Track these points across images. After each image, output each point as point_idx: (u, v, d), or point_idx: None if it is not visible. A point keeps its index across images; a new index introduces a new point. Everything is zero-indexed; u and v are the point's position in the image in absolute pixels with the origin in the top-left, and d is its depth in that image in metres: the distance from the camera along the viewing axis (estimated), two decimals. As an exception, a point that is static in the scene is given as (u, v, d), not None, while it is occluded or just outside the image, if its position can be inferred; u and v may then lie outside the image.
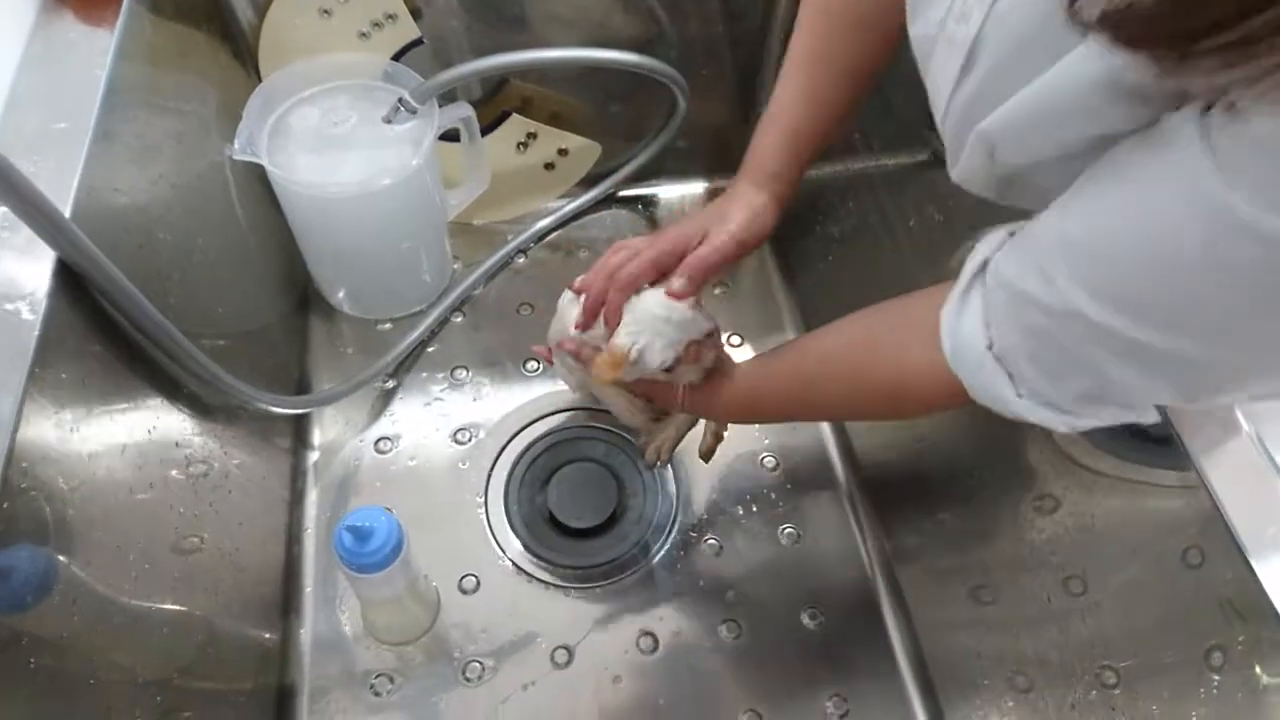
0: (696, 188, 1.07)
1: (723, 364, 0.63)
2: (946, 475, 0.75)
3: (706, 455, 0.80)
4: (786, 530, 0.83)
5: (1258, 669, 0.45)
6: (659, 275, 0.60)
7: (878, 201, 0.77)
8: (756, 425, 0.89)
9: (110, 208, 0.56)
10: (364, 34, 0.84)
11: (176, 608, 0.58)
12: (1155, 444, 0.52)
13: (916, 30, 0.45)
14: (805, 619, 0.78)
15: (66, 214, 0.49)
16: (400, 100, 0.80)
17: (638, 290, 0.59)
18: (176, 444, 0.61)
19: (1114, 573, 0.55)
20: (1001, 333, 0.42)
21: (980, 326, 0.42)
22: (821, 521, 0.84)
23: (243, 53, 0.85)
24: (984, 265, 0.43)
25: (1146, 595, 0.53)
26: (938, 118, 0.46)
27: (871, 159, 0.79)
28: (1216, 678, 0.47)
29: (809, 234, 0.94)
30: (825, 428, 0.90)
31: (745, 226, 0.61)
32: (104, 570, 0.51)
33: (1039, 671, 0.62)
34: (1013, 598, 0.66)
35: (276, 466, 0.81)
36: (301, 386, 0.90)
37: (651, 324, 0.57)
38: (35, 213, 0.45)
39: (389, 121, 0.81)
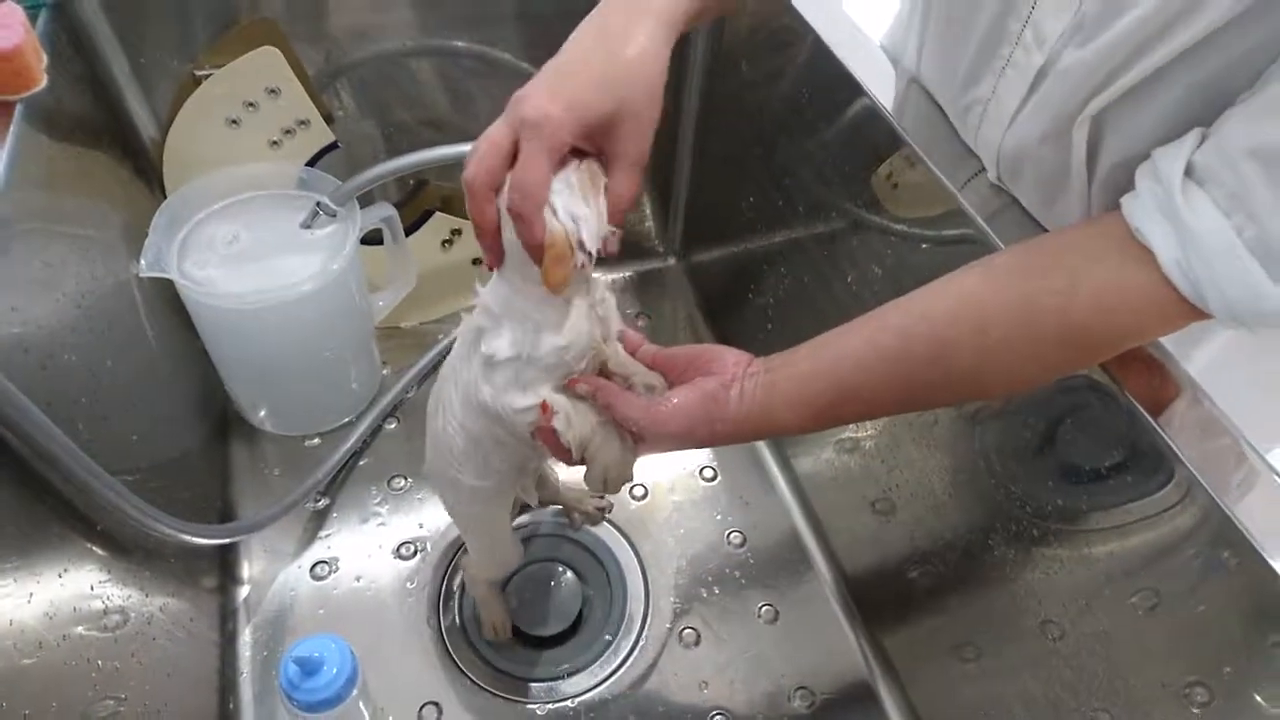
0: (626, 272, 1.07)
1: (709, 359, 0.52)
2: (915, 531, 0.73)
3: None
4: (763, 608, 0.79)
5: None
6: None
7: (811, 262, 0.78)
8: (718, 518, 0.86)
9: (6, 327, 0.51)
10: (275, 142, 0.81)
11: (96, 782, 0.50)
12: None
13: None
14: (796, 701, 0.73)
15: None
16: (318, 204, 0.77)
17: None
18: (91, 589, 0.55)
19: (1086, 615, 0.55)
20: (1256, 213, 0.39)
21: (1218, 217, 0.40)
22: (797, 595, 0.80)
23: (146, 170, 0.81)
24: (1188, 167, 0.41)
25: (1120, 635, 0.52)
26: (994, 138, 0.57)
27: (800, 228, 0.80)
28: (1196, 711, 0.47)
29: (743, 306, 0.94)
30: (787, 496, 0.88)
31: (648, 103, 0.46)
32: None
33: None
34: (998, 652, 0.64)
35: (203, 607, 0.73)
36: (224, 516, 0.82)
37: (563, 190, 0.45)
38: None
39: (308, 227, 0.78)
